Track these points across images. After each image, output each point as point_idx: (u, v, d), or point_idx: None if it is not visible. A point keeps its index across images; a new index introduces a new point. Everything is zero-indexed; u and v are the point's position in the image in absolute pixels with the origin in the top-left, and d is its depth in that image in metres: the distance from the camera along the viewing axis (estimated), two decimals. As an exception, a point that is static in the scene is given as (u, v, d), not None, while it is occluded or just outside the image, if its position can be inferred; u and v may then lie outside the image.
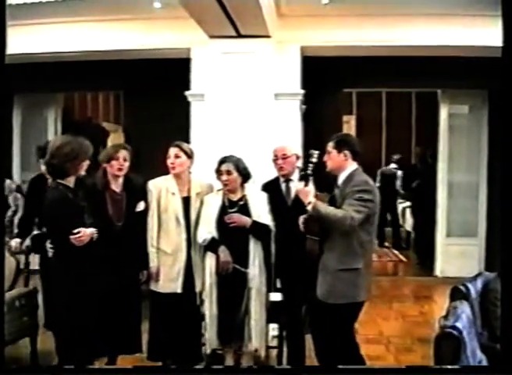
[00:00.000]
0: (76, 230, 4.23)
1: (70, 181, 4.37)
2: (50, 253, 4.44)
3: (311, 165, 4.25)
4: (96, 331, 4.38)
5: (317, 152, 4.26)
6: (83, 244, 4.25)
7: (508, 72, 3.32)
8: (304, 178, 4.26)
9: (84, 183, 4.56)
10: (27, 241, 5.79)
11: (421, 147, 9.94)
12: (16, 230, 6.20)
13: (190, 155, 4.92)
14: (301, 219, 4.35)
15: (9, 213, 7.40)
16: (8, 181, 7.53)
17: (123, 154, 4.78)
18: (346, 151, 4.31)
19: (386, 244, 11.54)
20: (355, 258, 4.21)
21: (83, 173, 4.45)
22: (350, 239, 4.18)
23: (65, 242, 4.23)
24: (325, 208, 4.15)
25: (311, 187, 4.21)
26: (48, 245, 4.46)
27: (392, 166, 12.07)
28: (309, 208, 4.14)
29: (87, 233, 4.28)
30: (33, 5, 6.61)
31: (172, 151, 4.88)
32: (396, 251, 11.15)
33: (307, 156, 4.36)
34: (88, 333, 4.33)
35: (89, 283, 4.29)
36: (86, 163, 4.39)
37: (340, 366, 3.71)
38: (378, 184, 11.45)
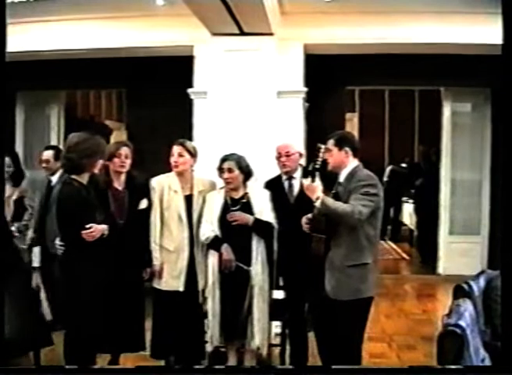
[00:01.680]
0: (88, 226, 4.26)
1: (84, 178, 4.41)
2: (59, 251, 4.45)
3: (319, 159, 4.24)
4: (101, 328, 4.41)
5: (324, 146, 4.26)
6: (93, 239, 4.28)
7: (509, 69, 3.31)
8: (311, 173, 4.23)
9: (94, 181, 4.58)
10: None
11: (424, 145, 9.95)
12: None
13: (193, 154, 4.93)
14: (304, 219, 4.35)
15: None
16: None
17: (125, 151, 4.79)
18: (347, 148, 4.31)
19: (386, 238, 11.57)
20: (363, 253, 4.21)
21: (97, 171, 4.48)
22: (356, 234, 4.18)
23: (76, 238, 4.26)
24: (334, 203, 4.14)
25: (318, 183, 4.19)
26: (58, 242, 4.47)
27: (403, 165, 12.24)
28: (317, 203, 4.11)
29: (98, 228, 4.32)
30: (35, 2, 6.61)
31: (176, 149, 4.88)
32: (398, 249, 11.16)
33: (314, 151, 4.33)
34: (95, 330, 4.36)
35: (96, 280, 4.31)
36: (100, 162, 4.43)
37: (343, 367, 3.71)
38: (386, 179, 11.55)
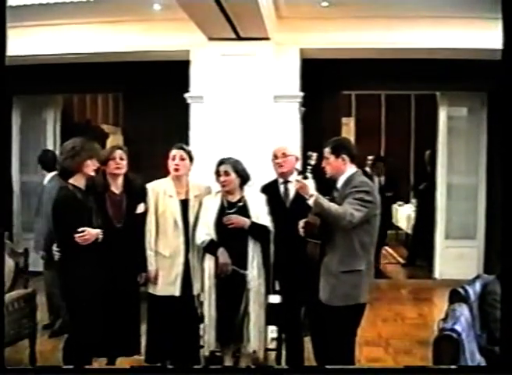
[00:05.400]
0: (81, 229, 4.26)
1: (80, 182, 4.45)
2: (56, 256, 4.46)
3: (309, 167, 4.25)
4: (99, 332, 4.45)
5: (315, 154, 4.26)
6: (87, 243, 4.30)
7: (508, 74, 3.33)
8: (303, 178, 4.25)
9: (92, 185, 4.59)
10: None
11: (431, 150, 9.94)
12: None
13: (192, 158, 4.95)
14: (301, 223, 4.34)
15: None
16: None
17: (119, 153, 4.80)
18: (344, 155, 4.31)
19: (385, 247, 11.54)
20: (357, 260, 4.21)
21: (92, 173, 4.49)
22: (351, 241, 4.18)
23: (71, 243, 4.26)
24: (327, 202, 4.13)
25: (310, 181, 4.20)
26: (55, 248, 4.48)
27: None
28: (311, 201, 4.11)
29: (92, 233, 4.34)
30: (32, 6, 6.60)
31: (177, 152, 4.89)
32: (394, 254, 11.16)
33: (305, 158, 4.36)
34: (93, 334, 4.38)
35: (92, 284, 4.32)
36: (92, 163, 4.44)
37: (339, 367, 3.73)
38: None
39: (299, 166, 5.17)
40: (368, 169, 11.13)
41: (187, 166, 4.93)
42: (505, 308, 3.38)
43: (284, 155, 4.95)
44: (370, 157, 11.27)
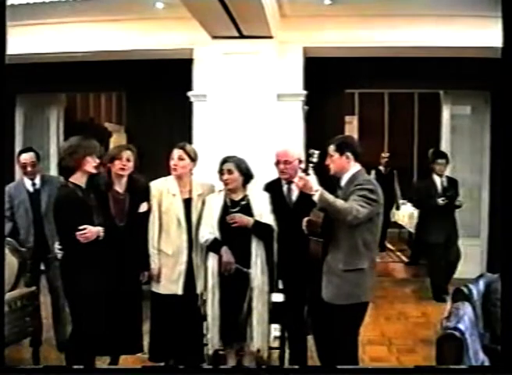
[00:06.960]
0: (81, 227, 4.27)
1: (81, 181, 4.46)
2: (59, 255, 4.47)
3: (311, 164, 4.23)
4: (102, 331, 4.46)
5: (317, 152, 4.24)
6: (88, 240, 4.31)
7: (508, 72, 3.32)
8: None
9: (95, 183, 4.60)
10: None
11: (435, 148, 9.89)
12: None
13: (193, 158, 4.93)
14: (304, 221, 4.33)
15: None
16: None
17: (127, 154, 4.80)
18: (348, 153, 4.31)
19: (389, 245, 11.53)
20: (360, 259, 4.21)
21: (92, 170, 4.48)
22: (354, 239, 4.18)
23: (73, 241, 4.27)
24: (333, 197, 4.12)
25: (313, 177, 4.18)
26: (57, 246, 4.49)
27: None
28: (316, 196, 4.09)
29: (92, 230, 4.34)
30: (36, 5, 6.61)
31: (176, 152, 4.88)
32: (398, 252, 11.15)
33: (307, 156, 4.34)
34: (96, 332, 4.41)
35: (95, 283, 4.33)
36: (90, 159, 4.45)
37: (345, 367, 3.72)
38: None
39: (303, 166, 5.16)
40: (381, 167, 11.07)
41: (186, 166, 4.91)
42: (505, 306, 3.37)
43: (286, 161, 4.94)
44: (385, 154, 11.17)
